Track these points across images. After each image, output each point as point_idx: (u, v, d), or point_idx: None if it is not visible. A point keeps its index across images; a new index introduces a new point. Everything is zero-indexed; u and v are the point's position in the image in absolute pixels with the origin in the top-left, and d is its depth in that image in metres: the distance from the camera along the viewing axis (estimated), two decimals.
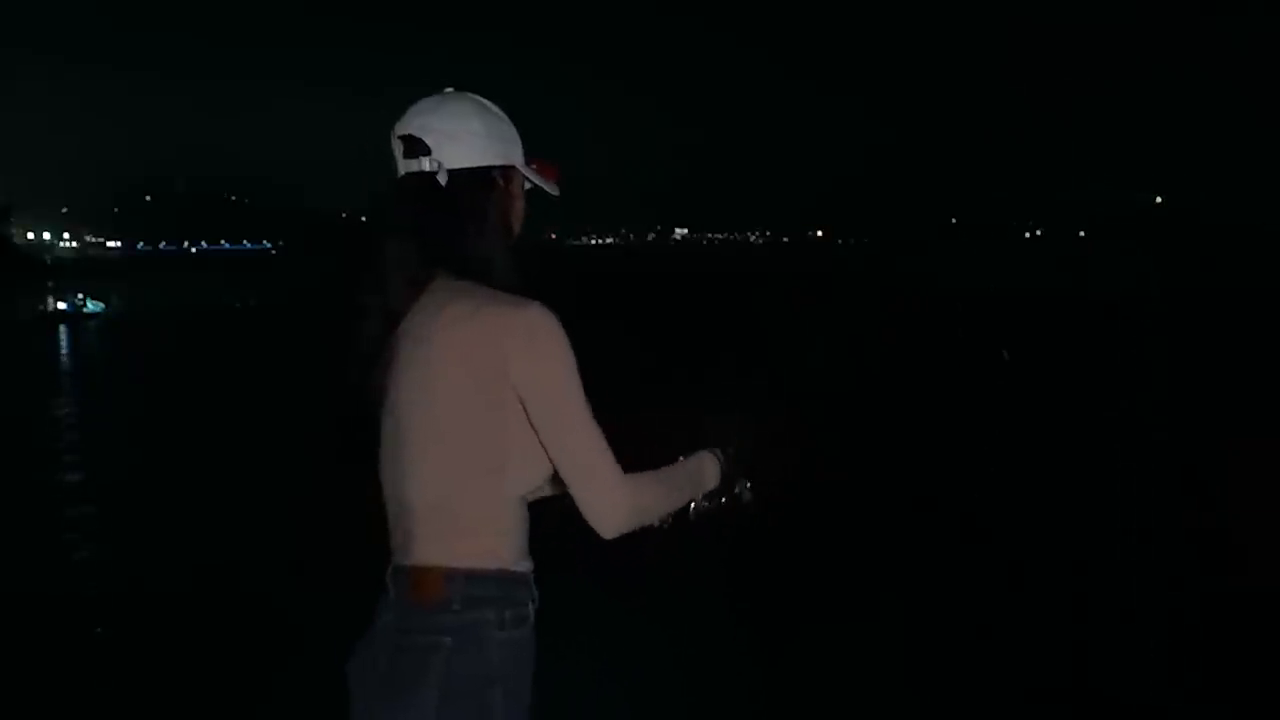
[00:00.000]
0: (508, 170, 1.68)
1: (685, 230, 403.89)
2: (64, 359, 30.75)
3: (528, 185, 1.73)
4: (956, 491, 10.83)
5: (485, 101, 1.69)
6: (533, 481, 1.60)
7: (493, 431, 1.56)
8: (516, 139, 1.69)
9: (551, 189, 1.74)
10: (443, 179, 1.62)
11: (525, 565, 1.61)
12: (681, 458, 1.75)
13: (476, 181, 1.64)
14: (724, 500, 1.78)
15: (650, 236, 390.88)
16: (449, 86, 1.71)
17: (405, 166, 1.65)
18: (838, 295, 50.45)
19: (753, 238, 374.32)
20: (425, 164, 1.62)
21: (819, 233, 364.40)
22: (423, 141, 1.63)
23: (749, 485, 1.81)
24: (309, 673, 3.39)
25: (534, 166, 1.72)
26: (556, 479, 1.62)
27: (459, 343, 1.54)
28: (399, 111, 1.71)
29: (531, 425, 1.56)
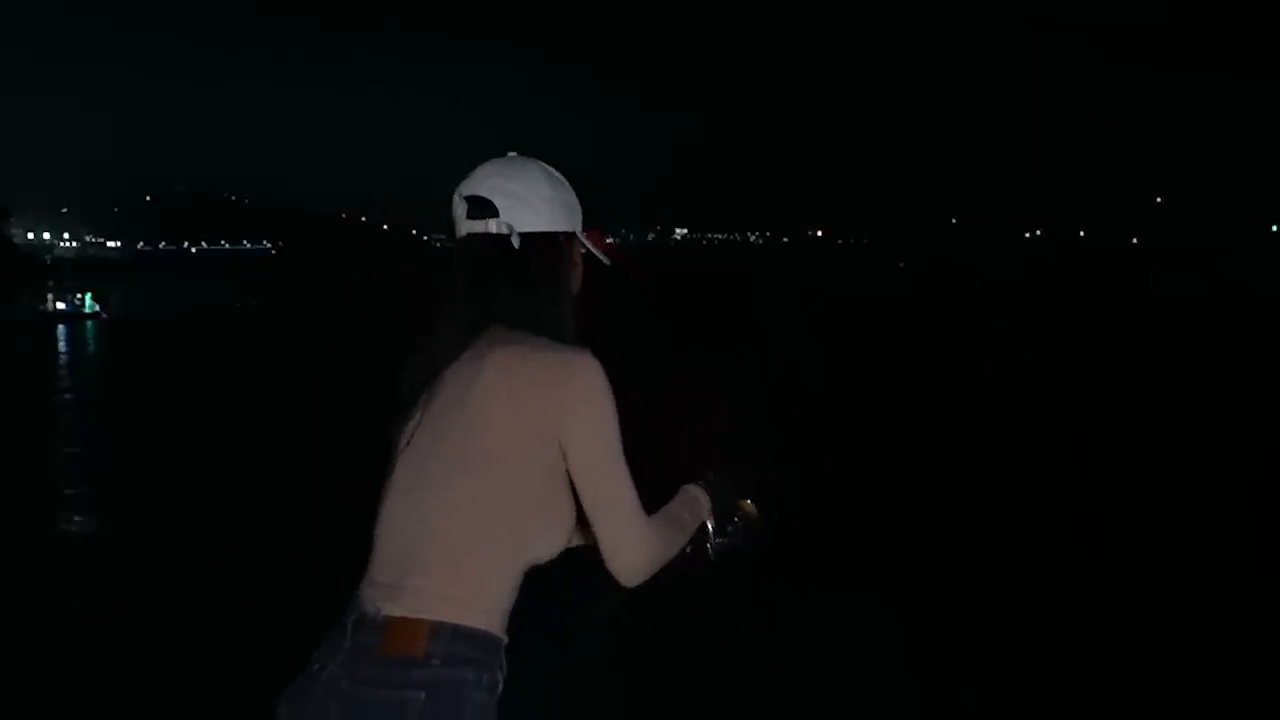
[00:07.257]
0: (570, 237, 1.68)
1: (685, 230, 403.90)
2: (63, 358, 30.71)
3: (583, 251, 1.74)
4: (954, 491, 10.84)
5: (551, 168, 1.69)
6: (548, 552, 1.57)
7: (530, 483, 1.52)
8: (578, 207, 1.70)
9: (604, 259, 1.74)
10: (516, 242, 1.61)
11: (505, 635, 1.54)
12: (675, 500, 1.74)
13: (547, 246, 1.64)
14: (733, 528, 1.75)
15: (650, 236, 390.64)
16: (512, 151, 1.71)
17: (469, 227, 1.64)
18: (836, 295, 50.42)
19: (753, 238, 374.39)
20: (493, 226, 1.62)
21: (819, 232, 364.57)
22: (492, 204, 1.62)
23: (753, 505, 1.78)
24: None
25: (587, 235, 1.72)
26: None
27: (511, 387, 1.51)
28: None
29: (569, 475, 1.54)
